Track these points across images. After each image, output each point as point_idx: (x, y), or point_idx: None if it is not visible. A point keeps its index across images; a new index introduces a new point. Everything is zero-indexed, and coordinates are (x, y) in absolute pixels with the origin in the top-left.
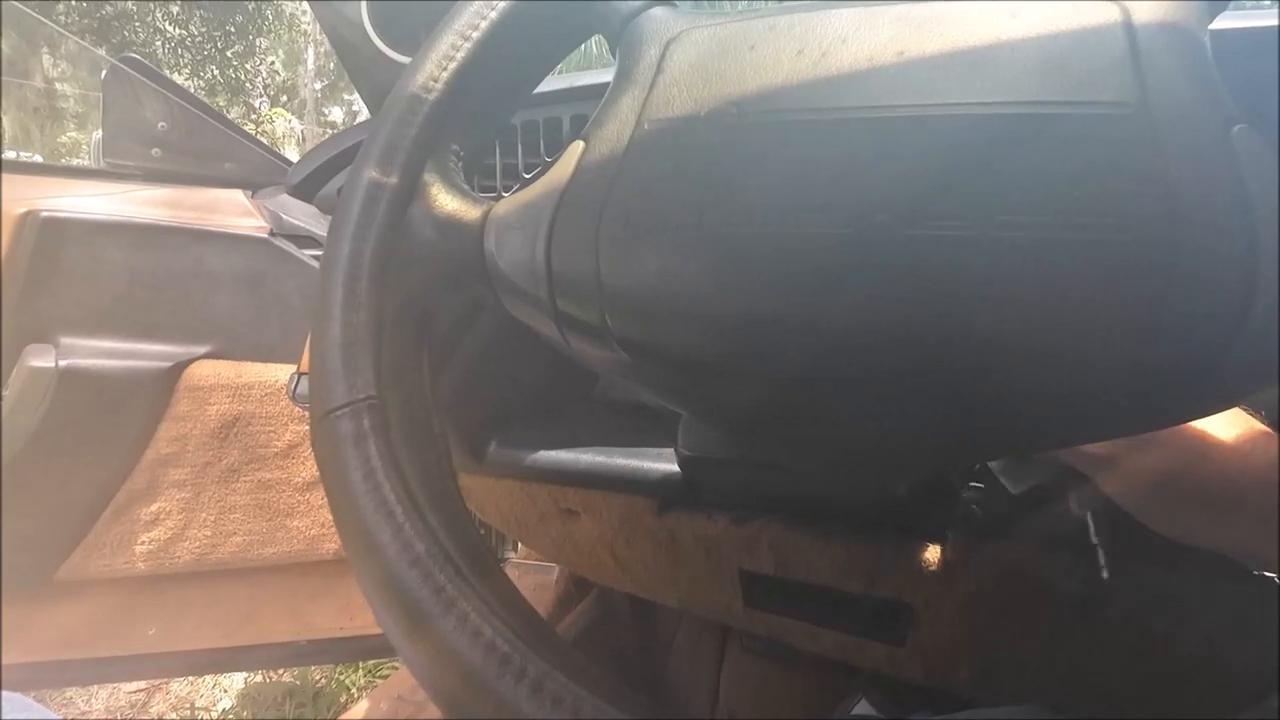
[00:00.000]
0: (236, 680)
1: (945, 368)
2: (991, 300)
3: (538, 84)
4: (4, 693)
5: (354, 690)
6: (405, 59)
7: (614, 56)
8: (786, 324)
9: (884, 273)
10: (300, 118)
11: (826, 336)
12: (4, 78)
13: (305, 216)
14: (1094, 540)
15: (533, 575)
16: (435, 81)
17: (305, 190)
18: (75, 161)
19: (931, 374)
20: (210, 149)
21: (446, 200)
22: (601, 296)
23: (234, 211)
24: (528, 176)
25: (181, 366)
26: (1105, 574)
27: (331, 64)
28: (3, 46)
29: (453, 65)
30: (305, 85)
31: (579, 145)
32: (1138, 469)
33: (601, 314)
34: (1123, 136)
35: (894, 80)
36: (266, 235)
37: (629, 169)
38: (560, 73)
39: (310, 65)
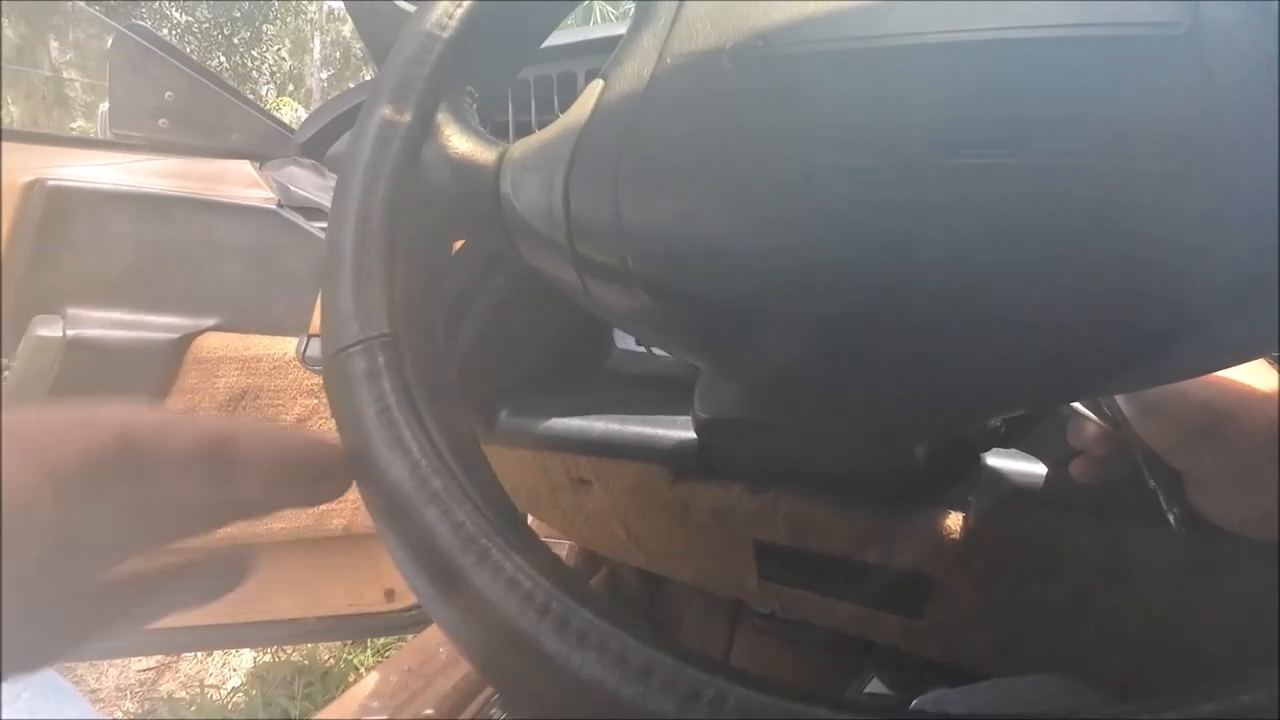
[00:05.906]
0: (245, 659)
1: (980, 302)
2: (1029, 229)
3: (556, 24)
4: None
5: (362, 670)
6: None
7: None
8: (813, 261)
9: (916, 205)
10: (307, 107)
11: (854, 271)
12: (11, 66)
13: (313, 188)
14: (1150, 485)
15: None
16: (449, 18)
17: (314, 147)
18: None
19: (966, 310)
20: (217, 119)
21: (461, 141)
22: (622, 237)
23: (241, 182)
24: None
25: (189, 338)
26: (1172, 518)
27: (338, 53)
28: (10, 34)
29: (467, 2)
30: (312, 74)
31: (598, 84)
32: (1182, 414)
33: (622, 255)
34: (1172, 59)
35: (928, 8)
36: (274, 207)
37: (650, 105)
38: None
39: (316, 54)
